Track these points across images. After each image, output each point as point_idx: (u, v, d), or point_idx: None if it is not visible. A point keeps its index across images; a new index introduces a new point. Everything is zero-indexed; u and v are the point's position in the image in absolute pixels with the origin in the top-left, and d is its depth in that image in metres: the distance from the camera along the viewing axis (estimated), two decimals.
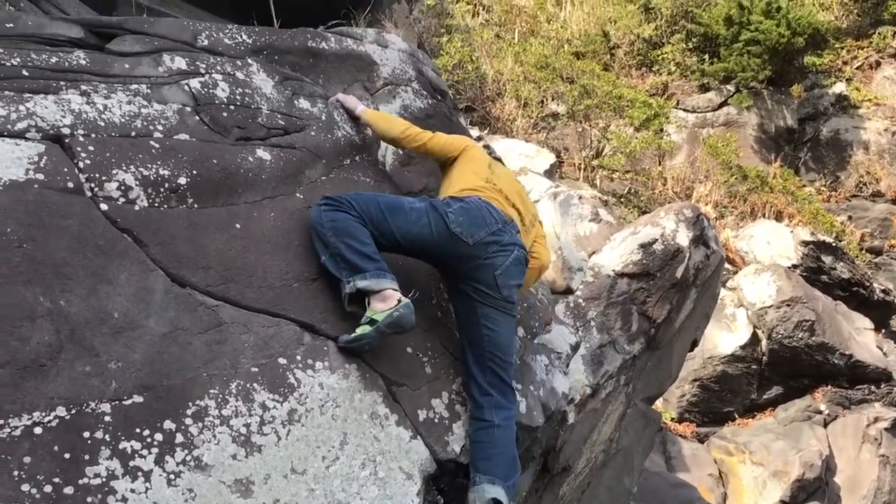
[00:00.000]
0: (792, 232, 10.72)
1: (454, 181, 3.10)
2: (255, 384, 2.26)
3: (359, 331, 2.54)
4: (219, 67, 2.87)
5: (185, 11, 5.94)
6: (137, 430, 1.97)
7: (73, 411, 1.89)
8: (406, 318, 2.56)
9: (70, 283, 2.03)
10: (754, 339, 9.17)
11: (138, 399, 2.01)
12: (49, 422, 1.83)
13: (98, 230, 2.16)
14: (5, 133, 2.13)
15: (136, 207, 2.29)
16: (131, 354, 2.06)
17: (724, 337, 9.16)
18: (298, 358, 2.41)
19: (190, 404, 2.11)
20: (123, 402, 1.98)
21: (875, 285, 11.12)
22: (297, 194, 2.79)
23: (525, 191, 3.43)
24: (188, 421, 2.08)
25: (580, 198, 6.76)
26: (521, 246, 2.97)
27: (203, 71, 2.80)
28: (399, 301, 2.57)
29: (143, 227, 2.27)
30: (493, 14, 13.11)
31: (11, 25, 2.46)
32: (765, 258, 10.31)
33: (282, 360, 2.37)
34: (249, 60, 3.03)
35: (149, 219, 2.30)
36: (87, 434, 1.88)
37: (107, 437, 1.91)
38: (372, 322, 2.53)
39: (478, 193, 2.97)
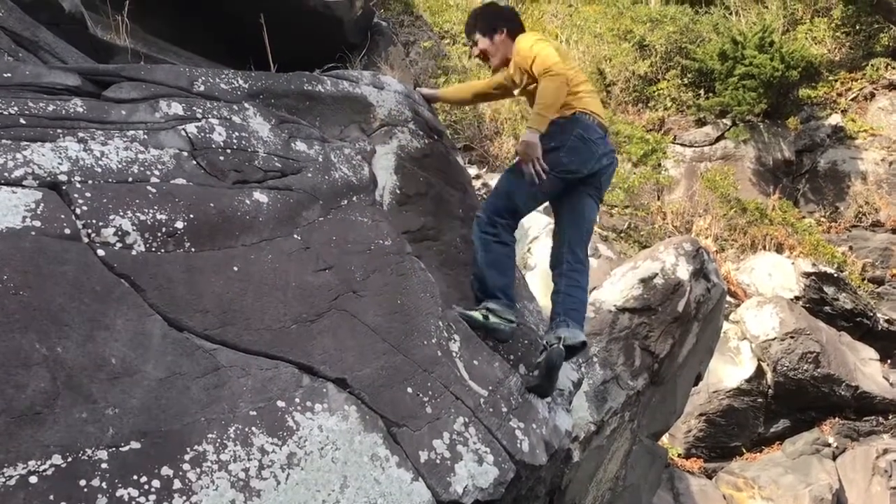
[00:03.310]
0: (793, 263, 10.70)
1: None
2: (253, 428, 2.24)
3: (474, 313, 3.31)
4: (215, 112, 2.89)
5: (182, 58, 6.01)
6: (135, 478, 1.95)
7: (70, 459, 1.87)
8: (507, 334, 3.36)
9: (67, 330, 2.02)
10: (759, 372, 9.11)
11: (136, 445, 2.00)
12: (45, 470, 1.82)
13: (95, 276, 2.16)
14: (2, 181, 2.14)
15: (134, 252, 2.29)
16: (129, 400, 2.05)
17: (729, 370, 9.10)
18: (297, 400, 2.40)
19: (188, 450, 2.09)
20: (121, 449, 1.96)
21: (879, 315, 11.06)
22: (295, 236, 2.80)
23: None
24: (186, 467, 2.06)
25: None
26: (613, 151, 3.74)
27: (200, 116, 2.83)
28: (510, 321, 3.35)
29: (140, 271, 2.27)
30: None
31: (9, 75, 2.48)
32: (767, 290, 10.28)
33: (280, 403, 2.35)
34: (246, 104, 3.05)
35: (146, 263, 2.30)
36: (83, 482, 1.86)
37: (104, 484, 1.89)
38: (486, 316, 3.29)
39: (583, 101, 3.59)
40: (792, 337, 9.09)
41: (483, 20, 3.91)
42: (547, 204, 3.95)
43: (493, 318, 3.31)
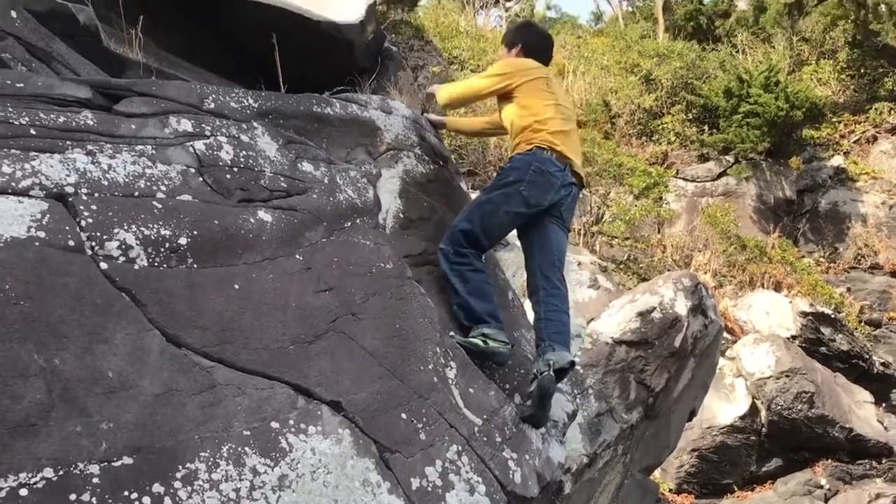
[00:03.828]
0: (791, 302, 10.71)
1: (526, 114, 3.79)
2: (246, 448, 2.24)
3: (473, 339, 3.33)
4: (224, 130, 2.91)
5: (193, 74, 6.05)
6: (125, 493, 1.94)
7: (61, 472, 1.86)
8: (506, 356, 3.41)
9: (65, 342, 2.02)
10: (753, 410, 9.09)
11: (128, 461, 1.99)
12: (35, 483, 1.81)
13: (96, 289, 2.16)
14: (9, 191, 2.15)
15: (136, 266, 2.30)
16: (123, 415, 2.04)
17: (723, 407, 9.08)
18: (291, 422, 2.39)
19: (180, 467, 2.08)
20: (113, 464, 1.96)
21: (875, 358, 11.07)
22: (297, 256, 2.80)
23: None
24: (177, 484, 2.05)
25: (579, 264, 6.78)
26: (575, 183, 3.78)
27: (208, 133, 2.84)
28: (506, 343, 3.39)
29: (141, 286, 2.27)
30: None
31: (22, 85, 2.50)
32: (764, 328, 10.29)
33: (274, 424, 2.35)
34: (255, 124, 3.07)
35: (148, 278, 2.30)
36: (73, 497, 1.85)
37: (94, 499, 1.88)
38: (485, 341, 3.32)
39: (542, 137, 3.69)
40: (787, 376, 9.08)
41: (512, 32, 4.26)
42: None
43: (491, 343, 3.34)
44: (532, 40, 4.09)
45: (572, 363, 3.44)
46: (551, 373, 3.31)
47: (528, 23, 4.38)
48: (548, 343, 3.45)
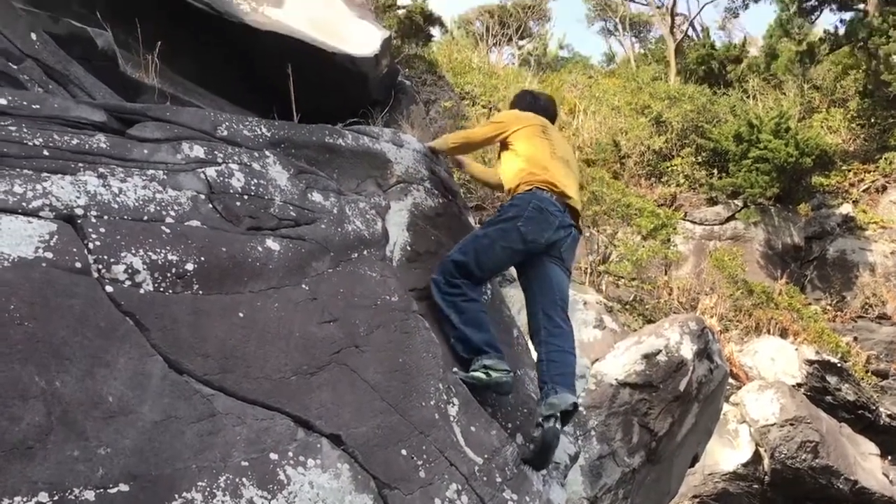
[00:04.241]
0: (797, 350, 10.64)
1: (522, 158, 3.89)
2: (244, 479, 2.21)
3: (475, 373, 3.29)
4: (236, 158, 2.92)
5: (207, 101, 6.10)
6: None
7: (56, 497, 1.83)
8: (510, 385, 3.38)
9: (67, 364, 2.01)
10: (757, 458, 8.98)
11: (124, 488, 1.96)
12: None
13: (101, 312, 2.15)
14: (19, 210, 2.15)
15: (141, 291, 2.29)
16: (122, 441, 2.02)
17: (726, 453, 8.98)
18: (290, 454, 2.36)
19: (176, 496, 2.05)
20: (108, 491, 1.93)
21: (881, 409, 10.95)
22: (303, 285, 2.80)
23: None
24: None
25: (585, 303, 6.75)
26: (574, 226, 3.80)
27: (220, 160, 2.85)
28: (508, 371, 3.35)
29: (146, 311, 2.26)
30: (496, 116, 13.40)
31: (38, 107, 2.52)
32: (769, 375, 10.20)
33: (273, 456, 2.32)
34: (267, 152, 3.09)
35: (152, 303, 2.29)
36: None
37: None
38: (487, 373, 3.27)
39: (542, 178, 3.76)
40: (792, 424, 8.98)
41: (514, 99, 4.50)
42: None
43: (494, 374, 3.30)
44: (527, 103, 4.33)
45: (575, 405, 3.37)
46: (557, 425, 3.28)
47: (524, 91, 4.63)
48: (550, 385, 3.39)
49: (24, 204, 2.18)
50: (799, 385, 10.08)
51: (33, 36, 3.51)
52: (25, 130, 2.39)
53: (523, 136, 3.97)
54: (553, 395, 3.34)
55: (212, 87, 6.74)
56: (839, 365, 10.69)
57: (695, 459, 6.23)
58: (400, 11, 15.09)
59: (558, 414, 3.29)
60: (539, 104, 4.33)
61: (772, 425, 8.97)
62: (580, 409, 4.65)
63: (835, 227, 14.53)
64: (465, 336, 3.41)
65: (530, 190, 3.75)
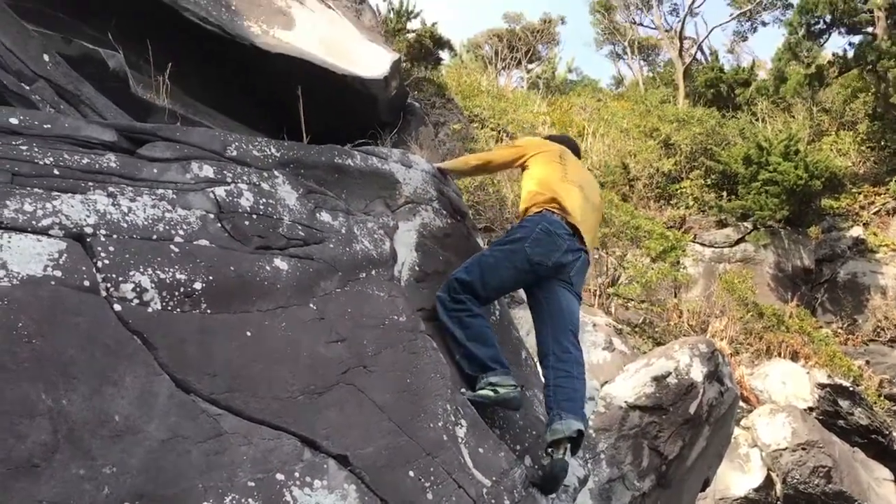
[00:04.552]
0: (808, 373, 10.54)
1: (535, 181, 3.94)
2: (250, 499, 2.19)
3: (483, 391, 3.28)
4: (245, 177, 2.93)
5: (217, 122, 6.15)
6: None
7: None
8: (519, 400, 3.37)
9: (74, 382, 2.00)
10: (768, 482, 8.87)
11: None
12: None
13: (109, 330, 2.15)
14: (29, 229, 2.16)
15: (149, 310, 2.29)
16: (128, 460, 2.01)
17: (738, 478, 8.87)
18: (297, 475, 2.35)
19: None
20: None
21: (895, 434, 10.81)
22: (311, 305, 2.79)
23: (594, 180, 4.32)
24: None
25: (594, 325, 6.72)
26: (584, 250, 3.78)
27: (229, 180, 2.86)
28: (516, 387, 3.33)
29: (153, 329, 2.26)
30: (516, 140, 13.44)
31: (49, 126, 2.53)
32: (780, 398, 10.11)
33: (279, 476, 2.30)
34: (276, 172, 3.09)
35: (160, 322, 2.29)
36: None
37: None
38: (494, 390, 3.26)
39: (547, 198, 3.79)
40: (804, 448, 8.88)
41: None
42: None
43: (501, 391, 3.28)
44: (548, 137, 4.50)
45: (580, 432, 3.28)
46: (564, 456, 3.25)
47: (551, 136, 4.73)
48: (556, 411, 3.34)
49: (33, 222, 2.19)
50: (811, 409, 9.98)
51: (46, 57, 3.54)
52: (36, 149, 2.40)
53: (539, 161, 4.03)
54: (557, 421, 3.29)
55: (222, 108, 6.79)
56: (851, 389, 10.58)
57: (706, 484, 6.16)
58: (410, 35, 15.22)
59: (567, 444, 3.25)
60: (558, 138, 4.46)
61: (784, 450, 8.87)
62: (590, 431, 4.62)
63: (845, 250, 14.47)
64: (469, 352, 3.39)
65: (540, 212, 3.76)
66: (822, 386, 10.28)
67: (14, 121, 2.45)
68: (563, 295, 3.67)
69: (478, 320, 3.49)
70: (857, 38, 18.04)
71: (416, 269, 3.61)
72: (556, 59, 29.02)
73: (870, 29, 17.78)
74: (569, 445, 3.26)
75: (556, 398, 3.39)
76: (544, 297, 3.67)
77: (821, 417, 9.91)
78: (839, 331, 13.53)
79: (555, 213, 3.75)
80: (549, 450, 3.27)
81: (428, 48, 14.98)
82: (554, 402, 3.38)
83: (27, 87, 3.19)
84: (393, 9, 15.96)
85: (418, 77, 13.08)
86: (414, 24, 16.07)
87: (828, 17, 17.66)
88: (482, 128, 13.40)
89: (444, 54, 17.59)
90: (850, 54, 17.34)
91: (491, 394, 3.27)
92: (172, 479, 2.07)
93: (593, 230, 3.98)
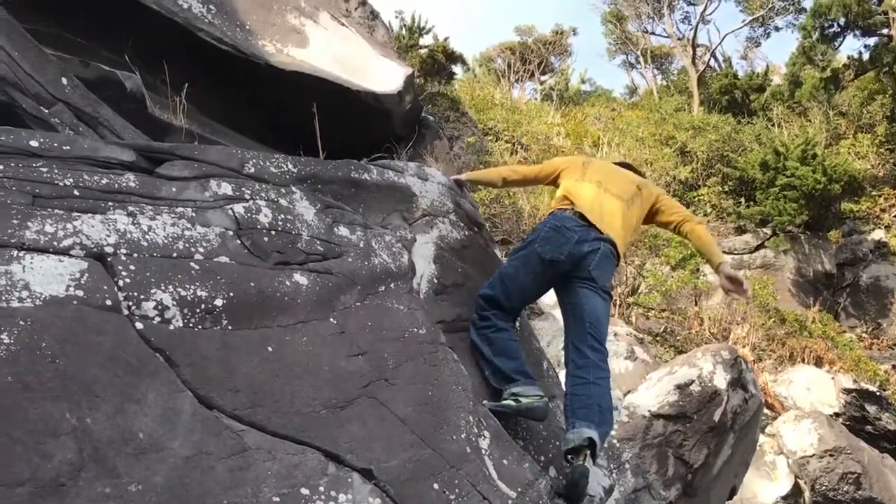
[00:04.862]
0: (833, 379, 10.42)
1: (559, 191, 4.01)
2: None
3: (505, 401, 3.28)
4: (263, 194, 2.94)
5: (234, 140, 6.19)
6: None
7: None
8: (543, 409, 3.32)
9: (98, 401, 2.01)
10: (796, 490, 8.75)
11: None
12: None
13: (131, 348, 2.16)
14: (51, 249, 2.18)
15: (171, 327, 2.29)
16: (152, 477, 2.01)
17: (765, 486, 8.76)
18: (321, 489, 2.34)
19: None
20: None
21: None
22: (331, 319, 2.79)
23: (629, 175, 4.20)
24: None
25: (615, 335, 6.68)
26: (607, 240, 3.66)
27: (248, 197, 2.87)
28: (541, 396, 3.30)
29: (175, 346, 2.26)
30: (531, 152, 13.48)
31: (68, 148, 2.56)
32: (805, 404, 9.99)
33: (304, 491, 2.29)
34: (293, 188, 3.11)
35: (182, 339, 2.30)
36: None
37: None
38: (517, 400, 3.26)
39: (563, 201, 3.85)
40: (832, 455, 8.76)
41: None
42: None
43: (524, 400, 3.27)
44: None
45: (590, 440, 3.19)
46: (585, 462, 3.21)
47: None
48: (570, 420, 3.32)
49: (55, 243, 2.20)
50: (837, 415, 9.86)
51: (64, 80, 3.58)
52: (56, 171, 2.42)
53: (565, 174, 4.08)
54: (570, 430, 3.27)
55: (238, 127, 6.84)
56: (878, 394, 10.44)
57: (732, 492, 6.09)
58: (422, 51, 15.29)
59: (587, 451, 3.21)
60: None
61: (811, 456, 8.76)
62: (614, 441, 4.58)
63: (867, 254, 14.32)
64: (496, 367, 3.41)
65: (552, 212, 3.82)
66: (847, 391, 10.16)
67: (34, 143, 2.47)
68: (584, 296, 3.60)
69: (502, 334, 3.51)
70: (872, 41, 17.93)
71: (435, 281, 3.61)
72: (569, 71, 29.05)
73: (885, 31, 17.66)
74: (588, 452, 3.21)
75: (571, 407, 3.37)
76: (567, 301, 3.64)
77: (847, 423, 9.79)
78: (863, 335, 13.38)
79: (565, 210, 3.77)
80: (569, 457, 3.25)
81: (441, 63, 15.04)
82: (570, 411, 3.36)
83: (46, 111, 3.23)
84: (405, 25, 16.06)
85: (432, 92, 13.13)
86: (426, 40, 16.17)
87: (842, 20, 17.56)
88: (496, 140, 13.41)
89: (457, 69, 17.66)
90: (866, 56, 17.25)
91: (513, 403, 3.27)
92: (197, 496, 2.06)
93: (615, 218, 3.82)
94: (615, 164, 4.32)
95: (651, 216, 4.10)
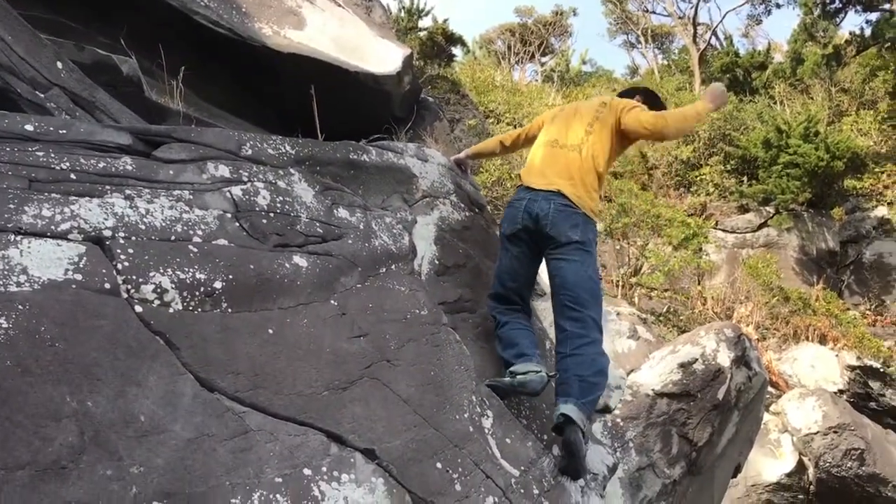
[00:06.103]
0: (837, 356, 10.42)
1: None
2: (278, 495, 2.18)
3: (501, 380, 3.29)
4: (261, 176, 2.92)
5: (231, 124, 6.16)
6: None
7: None
8: (538, 382, 3.26)
9: (98, 384, 2.01)
10: (800, 467, 8.77)
11: None
12: None
13: (131, 332, 2.15)
14: (48, 234, 2.16)
15: (171, 310, 2.29)
16: (154, 459, 2.01)
17: (769, 464, 8.79)
18: (324, 469, 2.34)
19: None
20: None
21: None
22: (332, 301, 2.78)
23: (596, 99, 4.07)
24: None
25: (618, 314, 6.67)
26: (554, 194, 3.60)
27: (245, 179, 2.86)
28: (537, 371, 3.26)
29: (175, 329, 2.26)
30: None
31: (64, 132, 2.54)
32: (809, 382, 10.00)
33: (307, 471, 2.30)
34: (291, 170, 3.09)
35: (182, 322, 2.29)
36: None
37: None
38: (512, 375, 3.27)
39: (525, 174, 3.82)
40: (836, 432, 8.77)
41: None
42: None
43: (518, 376, 3.28)
44: (644, 93, 4.30)
45: (565, 416, 3.15)
46: (575, 434, 3.17)
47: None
48: (555, 399, 3.33)
49: (52, 227, 2.19)
50: (841, 392, 9.86)
51: (59, 64, 3.56)
52: (52, 155, 2.41)
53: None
54: (554, 408, 3.28)
55: (236, 111, 6.81)
56: (882, 370, 10.44)
57: (737, 470, 6.09)
58: (422, 33, 15.21)
59: (571, 426, 3.17)
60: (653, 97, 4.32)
61: (815, 433, 8.77)
62: (617, 420, 4.58)
63: (870, 231, 14.28)
64: (504, 360, 3.48)
65: None
66: (851, 368, 10.16)
67: (30, 128, 2.46)
68: (555, 268, 3.58)
69: (506, 328, 3.57)
70: (874, 16, 17.77)
71: (436, 262, 3.60)
72: (570, 52, 28.90)
73: (887, 6, 17.52)
74: (572, 426, 3.17)
75: (555, 385, 3.39)
76: (550, 279, 3.65)
77: (851, 400, 9.80)
78: (867, 312, 13.36)
79: (520, 187, 3.82)
80: (558, 435, 3.28)
81: (440, 45, 14.96)
82: (557, 390, 3.36)
83: (42, 95, 3.21)
84: (404, 7, 15.97)
85: (432, 74, 13.07)
86: (425, 22, 16.08)
87: None
88: (498, 123, 13.36)
89: (457, 51, 17.58)
90: (868, 32, 17.11)
91: (508, 379, 3.30)
92: (200, 478, 2.06)
93: (565, 168, 3.70)
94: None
95: (624, 135, 3.86)
